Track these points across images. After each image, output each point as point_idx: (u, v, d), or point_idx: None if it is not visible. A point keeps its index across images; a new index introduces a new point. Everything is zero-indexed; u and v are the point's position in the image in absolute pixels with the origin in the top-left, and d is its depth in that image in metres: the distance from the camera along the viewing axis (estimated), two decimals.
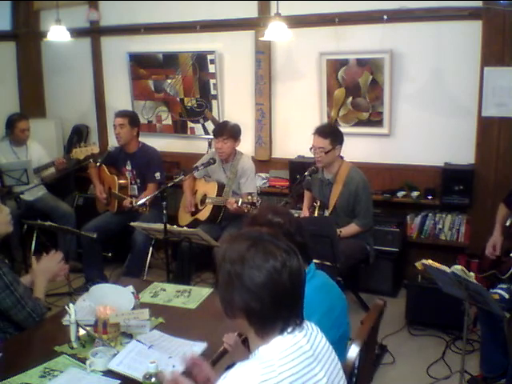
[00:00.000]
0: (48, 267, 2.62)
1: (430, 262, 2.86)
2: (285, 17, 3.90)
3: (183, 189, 4.56)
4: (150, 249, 4.54)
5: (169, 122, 5.55)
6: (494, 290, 3.11)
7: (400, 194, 4.57)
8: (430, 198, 4.48)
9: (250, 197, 3.85)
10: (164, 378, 1.76)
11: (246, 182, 4.29)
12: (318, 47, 4.71)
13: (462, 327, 2.95)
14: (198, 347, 2.21)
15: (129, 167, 4.69)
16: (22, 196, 4.41)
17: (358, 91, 4.65)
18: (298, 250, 2.01)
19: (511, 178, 4.16)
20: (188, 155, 5.33)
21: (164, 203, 3.62)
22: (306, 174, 3.95)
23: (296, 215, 3.14)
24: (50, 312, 2.63)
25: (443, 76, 4.39)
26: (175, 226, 3.84)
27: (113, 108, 5.58)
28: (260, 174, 5.01)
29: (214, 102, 5.26)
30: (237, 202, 3.88)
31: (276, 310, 1.40)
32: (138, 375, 1.95)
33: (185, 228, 3.90)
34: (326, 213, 3.97)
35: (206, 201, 4.32)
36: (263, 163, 5.13)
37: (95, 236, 4.06)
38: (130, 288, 2.57)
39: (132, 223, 4.01)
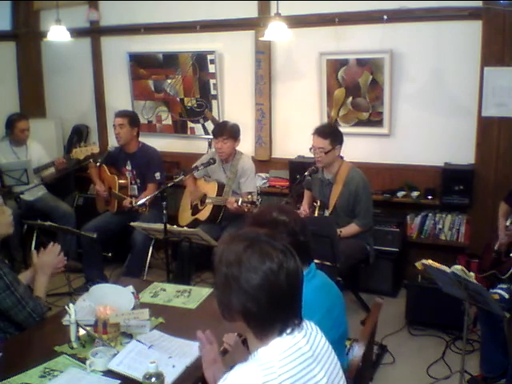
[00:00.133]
0: (47, 261, 2.62)
1: (430, 262, 2.86)
2: (285, 17, 3.90)
3: (186, 186, 4.55)
4: (150, 249, 4.54)
5: (169, 122, 5.56)
6: (494, 290, 3.12)
7: (400, 194, 4.57)
8: (429, 198, 4.48)
9: (250, 196, 3.85)
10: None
11: (245, 181, 4.29)
12: (317, 47, 4.71)
13: (462, 327, 2.95)
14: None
15: (129, 167, 4.69)
16: (22, 196, 4.41)
17: (358, 91, 4.65)
18: (300, 249, 2.01)
19: (511, 178, 4.16)
20: (188, 155, 5.33)
21: (164, 203, 3.62)
22: (305, 173, 3.95)
23: None
24: (50, 312, 2.63)
25: (443, 76, 4.39)
26: (175, 226, 3.84)
27: (113, 108, 5.58)
28: (260, 174, 5.01)
29: (214, 102, 5.26)
30: (237, 202, 3.89)
31: (274, 312, 1.39)
32: (138, 375, 1.95)
33: (185, 228, 3.91)
34: (326, 213, 3.97)
35: (206, 201, 4.32)
36: (263, 163, 5.13)
37: (95, 236, 4.06)
38: (130, 288, 2.57)
39: (132, 223, 4.01)
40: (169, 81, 5.41)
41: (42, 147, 5.05)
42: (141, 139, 4.74)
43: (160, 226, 3.70)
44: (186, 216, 4.53)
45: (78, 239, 4.84)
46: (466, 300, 2.83)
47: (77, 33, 5.24)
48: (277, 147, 5.16)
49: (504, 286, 3.16)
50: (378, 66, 4.51)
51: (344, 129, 4.56)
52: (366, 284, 4.40)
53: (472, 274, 2.70)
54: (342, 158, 3.97)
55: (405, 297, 4.04)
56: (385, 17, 4.37)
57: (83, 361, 2.08)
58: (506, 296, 3.05)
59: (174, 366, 2.04)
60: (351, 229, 3.87)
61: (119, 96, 5.70)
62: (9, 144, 4.90)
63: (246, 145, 4.88)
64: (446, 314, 3.69)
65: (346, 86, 4.69)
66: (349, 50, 4.61)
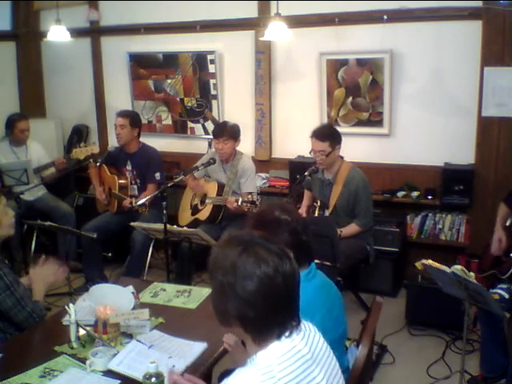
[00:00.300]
0: (45, 275, 2.62)
1: (430, 262, 2.86)
2: (285, 17, 3.89)
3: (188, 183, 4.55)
4: (150, 249, 4.54)
5: (169, 122, 5.56)
6: (494, 290, 3.11)
7: (400, 194, 4.57)
8: (429, 197, 4.48)
9: (249, 196, 3.85)
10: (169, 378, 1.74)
11: (246, 181, 4.29)
12: (317, 47, 4.71)
13: (462, 327, 2.95)
14: (198, 347, 2.21)
15: (129, 167, 4.69)
16: (22, 196, 4.41)
17: (358, 91, 4.65)
18: (301, 248, 2.02)
19: (511, 178, 4.16)
20: (188, 155, 5.33)
21: (164, 203, 3.62)
22: (306, 173, 3.95)
23: None
24: (49, 312, 2.64)
25: (443, 76, 4.39)
26: (175, 226, 3.84)
27: (113, 108, 5.59)
28: (260, 174, 5.01)
29: (214, 102, 5.26)
30: (237, 201, 3.89)
31: (272, 317, 1.38)
32: (138, 375, 1.95)
33: (185, 228, 3.91)
34: (327, 213, 3.97)
35: (206, 201, 4.32)
36: (263, 163, 5.13)
37: (95, 236, 4.05)
38: (130, 288, 2.57)
39: (132, 223, 4.01)
40: (169, 81, 5.41)
41: (42, 147, 5.04)
42: (141, 139, 4.73)
43: (160, 225, 3.70)
44: (185, 216, 4.53)
45: (78, 239, 4.84)
46: (466, 300, 2.83)
47: (77, 33, 5.24)
48: (277, 147, 5.16)
49: (504, 286, 3.16)
50: (378, 66, 4.51)
51: (344, 129, 4.58)
52: (366, 284, 4.40)
53: (472, 274, 2.70)
54: (342, 157, 3.97)
55: (405, 297, 4.04)
56: (385, 17, 4.37)
57: (83, 361, 2.08)
58: (506, 296, 3.05)
59: (173, 366, 2.04)
60: (351, 229, 3.87)
61: (119, 96, 5.70)
62: (9, 144, 4.90)
63: (246, 145, 4.88)
64: (446, 314, 3.69)
65: (346, 86, 4.69)
66: (349, 50, 4.61)
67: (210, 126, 5.23)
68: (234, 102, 5.23)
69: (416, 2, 4.29)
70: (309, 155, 4.12)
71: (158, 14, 5.26)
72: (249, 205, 3.75)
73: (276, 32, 3.83)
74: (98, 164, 4.74)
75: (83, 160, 4.67)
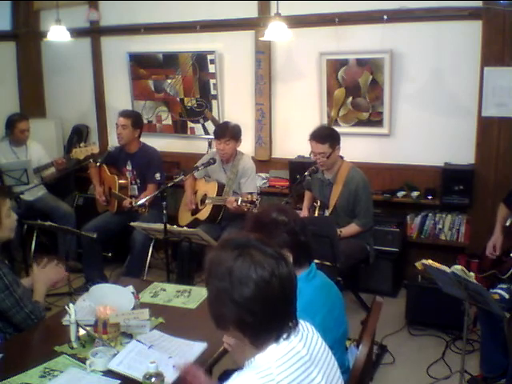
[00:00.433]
0: (47, 277, 2.62)
1: (430, 262, 2.86)
2: (285, 17, 3.89)
3: (185, 187, 4.55)
4: (150, 249, 4.54)
5: (169, 121, 5.56)
6: (494, 290, 3.11)
7: (400, 194, 4.57)
8: (429, 198, 4.48)
9: (249, 196, 3.85)
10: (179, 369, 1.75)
11: (246, 181, 4.28)
12: (318, 47, 4.71)
13: (462, 327, 2.95)
14: (198, 347, 2.21)
15: (129, 167, 4.69)
16: (22, 196, 4.40)
17: (358, 91, 4.65)
18: (300, 249, 2.02)
19: (511, 178, 4.16)
20: (188, 155, 5.33)
21: (164, 203, 3.62)
22: (306, 174, 3.95)
23: None
24: (49, 312, 2.64)
25: (443, 76, 4.39)
26: (175, 226, 3.84)
27: (113, 108, 5.59)
28: (260, 174, 5.01)
29: (214, 102, 5.26)
30: (236, 201, 3.89)
31: (269, 320, 1.37)
32: (138, 375, 1.95)
33: (185, 228, 3.91)
34: (327, 213, 3.97)
35: (206, 201, 4.32)
36: (263, 163, 5.13)
37: (95, 236, 4.05)
38: (130, 288, 2.57)
39: (132, 223, 4.01)
40: (169, 81, 5.41)
41: (42, 147, 5.05)
42: (141, 139, 4.73)
43: (160, 226, 3.70)
44: (185, 216, 4.53)
45: (78, 239, 4.84)
46: (466, 300, 2.83)
47: (77, 33, 5.24)
48: (277, 147, 5.16)
49: (504, 286, 3.16)
50: (378, 66, 4.51)
51: (344, 129, 4.58)
52: (366, 284, 4.40)
53: (472, 274, 2.70)
54: (341, 157, 3.97)
55: (405, 297, 4.04)
56: (385, 17, 4.37)
57: (83, 361, 2.08)
58: (506, 296, 3.05)
59: (174, 366, 2.04)
60: (351, 229, 3.87)
61: (119, 96, 5.70)
62: (9, 144, 4.90)
63: (246, 145, 4.88)
64: (446, 314, 3.69)
65: (346, 86, 4.69)
66: (349, 50, 4.61)
67: (210, 126, 5.23)
68: (234, 102, 5.23)
69: (416, 2, 4.29)
70: (309, 155, 4.12)
71: (158, 13, 5.26)
72: (248, 205, 3.75)
73: (276, 32, 3.83)
74: (97, 164, 4.74)
75: (83, 160, 4.67)
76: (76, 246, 4.92)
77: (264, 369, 1.35)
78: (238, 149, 4.36)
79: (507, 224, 3.53)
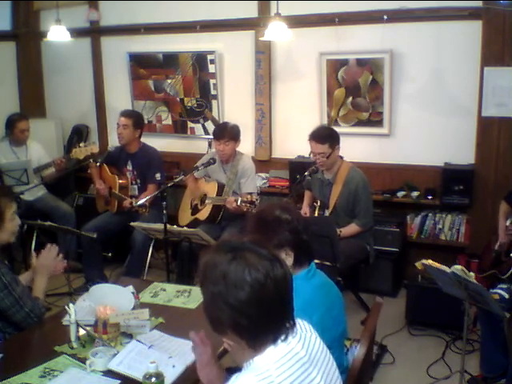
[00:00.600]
0: (45, 263, 2.61)
1: (430, 262, 2.86)
2: (285, 17, 3.89)
3: (188, 185, 4.54)
4: (150, 249, 4.53)
5: (169, 121, 5.56)
6: (494, 290, 3.12)
7: (400, 194, 4.57)
8: (430, 198, 4.48)
9: (249, 196, 3.85)
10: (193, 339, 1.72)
11: (246, 182, 4.28)
12: (317, 47, 4.70)
13: (462, 327, 2.95)
14: None
15: (129, 167, 4.69)
16: (22, 196, 4.40)
17: (358, 91, 4.65)
18: (302, 248, 2.02)
19: (511, 178, 4.16)
20: (188, 155, 5.33)
21: (164, 203, 3.63)
22: (305, 173, 3.95)
23: None
24: (49, 312, 2.63)
25: (443, 76, 4.39)
26: (175, 226, 3.84)
27: (113, 108, 5.59)
28: (260, 174, 5.01)
29: (214, 102, 5.26)
30: (236, 201, 3.89)
31: (265, 322, 1.37)
32: (138, 375, 1.95)
33: (185, 228, 3.91)
34: (326, 213, 3.97)
35: (206, 201, 4.32)
36: (263, 163, 5.13)
37: (95, 236, 4.05)
38: (130, 288, 2.57)
39: (132, 223, 4.01)
40: (169, 81, 5.41)
41: (41, 147, 5.05)
42: (141, 139, 4.73)
43: (160, 225, 3.70)
44: (185, 216, 4.53)
45: (78, 239, 4.84)
46: (466, 300, 2.83)
47: (77, 33, 5.24)
48: (277, 147, 5.16)
49: (504, 286, 3.16)
50: (378, 66, 4.51)
51: (344, 129, 4.58)
52: (366, 284, 4.40)
53: (472, 274, 2.70)
54: (341, 157, 3.97)
55: (405, 297, 4.04)
56: (385, 17, 4.37)
57: (83, 361, 2.08)
58: (506, 296, 3.05)
59: (174, 366, 2.04)
60: (351, 229, 3.87)
61: (119, 96, 5.70)
62: (9, 144, 4.90)
63: (246, 145, 4.88)
64: (446, 314, 3.69)
65: (346, 86, 4.69)
66: (349, 50, 4.61)
67: (210, 126, 5.23)
68: (234, 102, 5.23)
69: (416, 2, 4.29)
70: (309, 155, 4.12)
71: (158, 13, 5.26)
72: (248, 205, 3.76)
73: (276, 32, 3.83)
74: (98, 164, 4.74)
75: (83, 160, 4.67)
76: (76, 246, 4.92)
77: (263, 371, 1.35)
78: (238, 149, 4.36)
79: (507, 224, 3.54)
